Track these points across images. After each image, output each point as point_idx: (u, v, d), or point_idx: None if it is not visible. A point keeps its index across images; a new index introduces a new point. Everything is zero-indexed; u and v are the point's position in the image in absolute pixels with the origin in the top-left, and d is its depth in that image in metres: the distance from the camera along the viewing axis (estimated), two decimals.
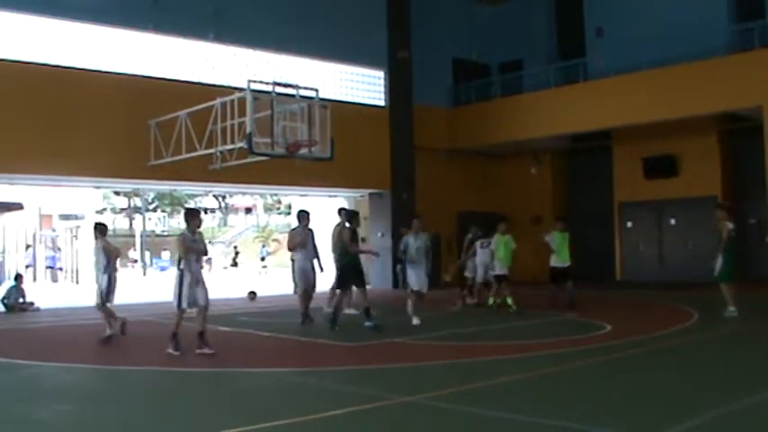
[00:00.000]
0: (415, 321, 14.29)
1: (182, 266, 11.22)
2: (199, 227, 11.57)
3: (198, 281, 11.25)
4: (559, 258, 17.43)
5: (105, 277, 13.06)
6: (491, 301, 17.18)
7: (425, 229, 15.29)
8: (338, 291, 14.69)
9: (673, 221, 26.79)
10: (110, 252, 13.26)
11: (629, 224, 27.78)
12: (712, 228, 15.34)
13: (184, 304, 11.12)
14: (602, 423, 6.83)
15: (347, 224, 14.73)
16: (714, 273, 14.79)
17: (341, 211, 16.96)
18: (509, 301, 16.70)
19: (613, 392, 8.33)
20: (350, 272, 14.15)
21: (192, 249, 11.26)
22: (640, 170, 26.71)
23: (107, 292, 13.08)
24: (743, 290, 15.21)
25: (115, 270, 13.40)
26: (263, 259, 51.64)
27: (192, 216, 11.65)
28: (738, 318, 14.25)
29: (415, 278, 14.70)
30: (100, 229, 13.56)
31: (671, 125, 24.25)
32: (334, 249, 15.63)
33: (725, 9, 24.28)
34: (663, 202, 26.52)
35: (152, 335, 14.70)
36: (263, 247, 56.28)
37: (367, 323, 13.74)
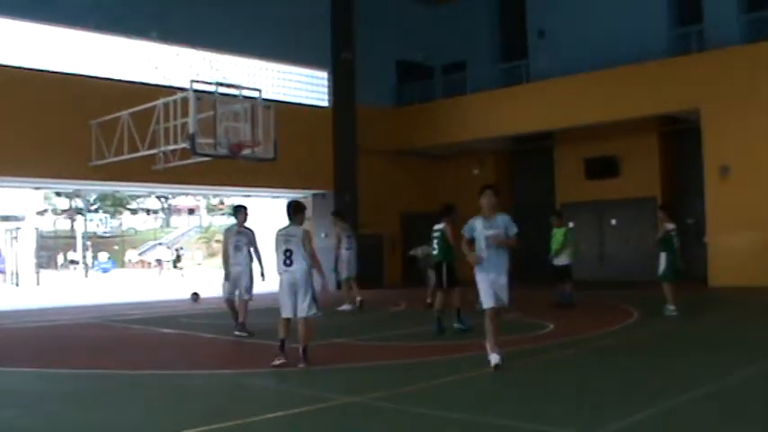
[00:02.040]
0: (495, 360, 9.33)
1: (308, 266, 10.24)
2: (302, 223, 10.51)
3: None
4: (553, 256, 17.44)
5: None
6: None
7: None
8: (441, 289, 13.55)
9: (613, 222, 27.13)
10: None
11: (571, 224, 28.04)
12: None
13: (315, 310, 10.18)
14: (545, 421, 6.90)
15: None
16: (658, 272, 15.08)
17: (446, 208, 14.15)
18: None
19: (557, 390, 8.42)
20: (454, 269, 13.53)
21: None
22: (582, 171, 27.02)
23: None
24: (681, 289, 15.51)
25: None
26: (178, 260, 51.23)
27: (297, 211, 10.47)
28: (677, 316, 14.54)
29: (488, 287, 9.31)
30: None
31: (612, 126, 24.65)
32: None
33: (665, 13, 24.75)
34: (604, 202, 26.84)
35: (97, 338, 14.51)
36: (179, 249, 56.19)
37: (456, 325, 13.27)
